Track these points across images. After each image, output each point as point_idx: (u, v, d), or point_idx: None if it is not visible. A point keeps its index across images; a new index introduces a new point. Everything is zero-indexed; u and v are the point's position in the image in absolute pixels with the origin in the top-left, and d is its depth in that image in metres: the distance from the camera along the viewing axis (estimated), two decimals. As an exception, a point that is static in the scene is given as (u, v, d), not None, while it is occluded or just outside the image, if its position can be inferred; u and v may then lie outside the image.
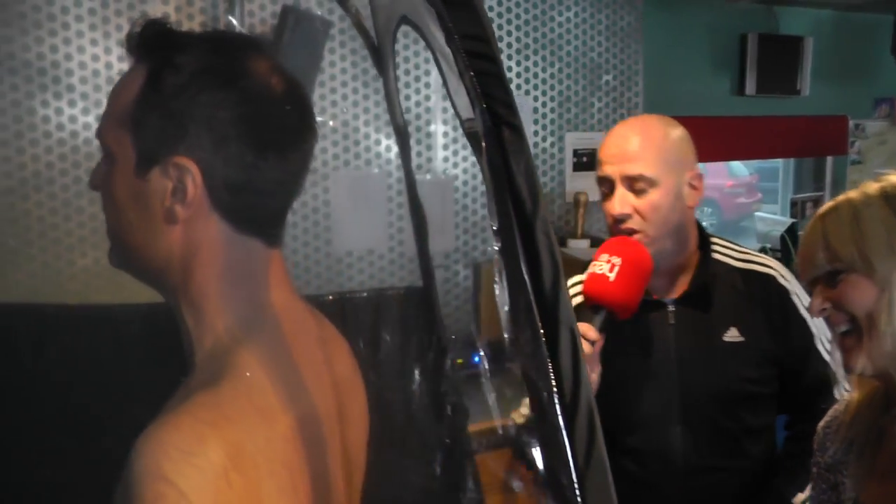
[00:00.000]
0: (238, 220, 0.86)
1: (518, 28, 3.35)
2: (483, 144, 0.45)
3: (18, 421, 1.11)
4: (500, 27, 3.30)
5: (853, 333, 1.17)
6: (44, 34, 2.43)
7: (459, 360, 2.67)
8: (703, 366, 1.64)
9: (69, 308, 1.28)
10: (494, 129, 0.45)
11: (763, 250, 3.71)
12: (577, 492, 0.42)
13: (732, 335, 1.66)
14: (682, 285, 1.69)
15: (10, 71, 2.40)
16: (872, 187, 1.18)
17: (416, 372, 1.29)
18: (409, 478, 1.31)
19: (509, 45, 3.33)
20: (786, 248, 3.58)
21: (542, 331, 0.43)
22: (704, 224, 1.84)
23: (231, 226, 0.86)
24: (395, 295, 1.32)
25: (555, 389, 0.42)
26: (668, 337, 1.67)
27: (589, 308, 1.50)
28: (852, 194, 1.19)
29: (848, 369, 1.20)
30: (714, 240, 1.75)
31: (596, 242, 3.36)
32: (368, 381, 1.09)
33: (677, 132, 1.67)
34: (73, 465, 1.08)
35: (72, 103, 2.48)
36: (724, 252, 1.73)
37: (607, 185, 1.65)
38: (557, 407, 0.42)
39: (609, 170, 1.63)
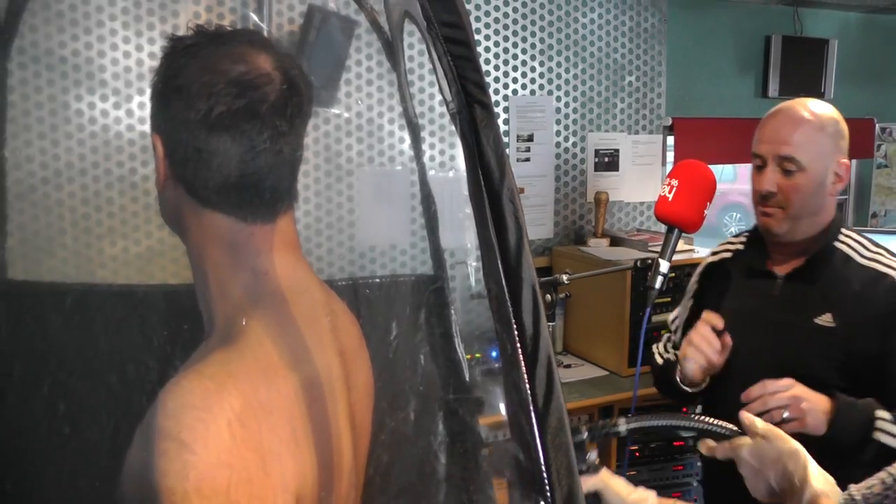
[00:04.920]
0: (196, 194, 0.93)
1: (542, 29, 3.39)
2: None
3: (48, 389, 1.19)
4: (524, 28, 3.35)
5: None
6: (79, 32, 2.52)
7: (478, 355, 2.71)
8: (789, 343, 1.71)
9: (95, 287, 1.35)
10: (467, 107, 0.51)
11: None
12: (537, 433, 0.47)
13: (825, 319, 1.71)
14: (797, 263, 1.78)
15: (47, 67, 2.49)
16: None
17: (426, 356, 1.34)
18: (416, 459, 1.35)
19: (533, 46, 3.38)
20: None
21: (506, 288, 0.48)
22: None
23: (194, 199, 0.94)
24: (405, 281, 1.37)
25: (517, 342, 0.47)
26: (768, 307, 1.77)
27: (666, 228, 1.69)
28: None
29: None
30: (847, 233, 1.82)
31: (616, 242, 3.40)
32: (378, 362, 1.15)
33: (833, 120, 1.77)
34: (100, 429, 1.16)
35: (104, 98, 2.57)
36: (852, 246, 1.79)
37: (759, 161, 1.79)
38: (520, 357, 0.47)
39: (763, 148, 1.76)
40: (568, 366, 3.13)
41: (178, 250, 1.02)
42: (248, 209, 0.94)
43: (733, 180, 12.89)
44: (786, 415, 1.55)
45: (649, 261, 1.75)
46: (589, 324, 3.20)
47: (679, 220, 1.60)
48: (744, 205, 12.46)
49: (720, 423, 1.23)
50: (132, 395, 1.18)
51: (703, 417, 1.24)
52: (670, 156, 3.76)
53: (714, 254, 2.02)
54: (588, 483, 1.24)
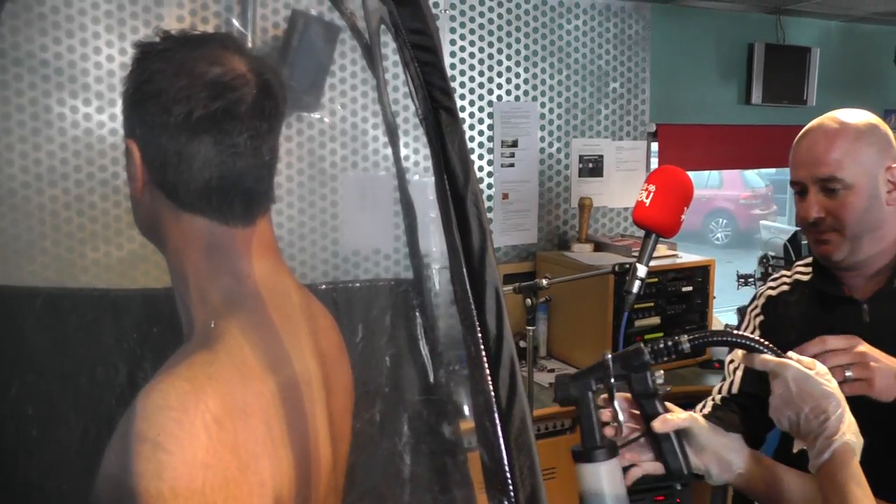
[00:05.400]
0: (177, 198, 0.93)
1: (527, 35, 3.41)
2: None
3: (26, 393, 1.19)
4: (509, 34, 3.37)
5: None
6: (62, 35, 2.52)
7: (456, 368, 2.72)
8: None
9: (73, 291, 1.35)
10: (433, 113, 0.51)
11: (765, 258, 3.74)
12: (500, 434, 0.48)
13: None
14: (877, 283, 1.65)
15: (29, 70, 2.49)
16: None
17: (404, 359, 1.34)
18: (392, 464, 1.36)
19: (518, 52, 3.39)
20: (788, 257, 3.61)
21: (469, 291, 0.49)
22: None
23: (173, 204, 0.93)
24: (384, 286, 1.38)
25: (481, 343, 0.48)
26: (860, 335, 1.56)
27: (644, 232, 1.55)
28: None
29: None
30: None
31: (600, 247, 3.41)
32: (358, 366, 1.15)
33: (870, 126, 1.61)
34: (79, 433, 1.16)
35: (87, 102, 2.56)
36: None
37: (798, 188, 1.65)
38: (483, 359, 0.48)
39: (800, 173, 1.63)
40: (552, 370, 3.14)
41: (160, 254, 1.02)
42: (229, 211, 0.95)
43: (719, 186, 12.99)
44: (848, 374, 1.38)
45: (627, 265, 1.74)
46: (573, 328, 3.21)
47: (656, 224, 1.58)
48: (729, 210, 12.57)
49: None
50: (110, 399, 1.18)
51: (762, 340, 1.22)
52: (654, 162, 3.79)
53: (771, 288, 1.85)
54: (675, 422, 1.22)
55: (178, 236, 0.95)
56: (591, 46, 3.57)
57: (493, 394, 0.48)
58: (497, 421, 0.47)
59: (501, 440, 0.47)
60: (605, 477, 1.16)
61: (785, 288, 1.81)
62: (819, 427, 1.15)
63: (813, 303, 1.72)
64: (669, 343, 1.21)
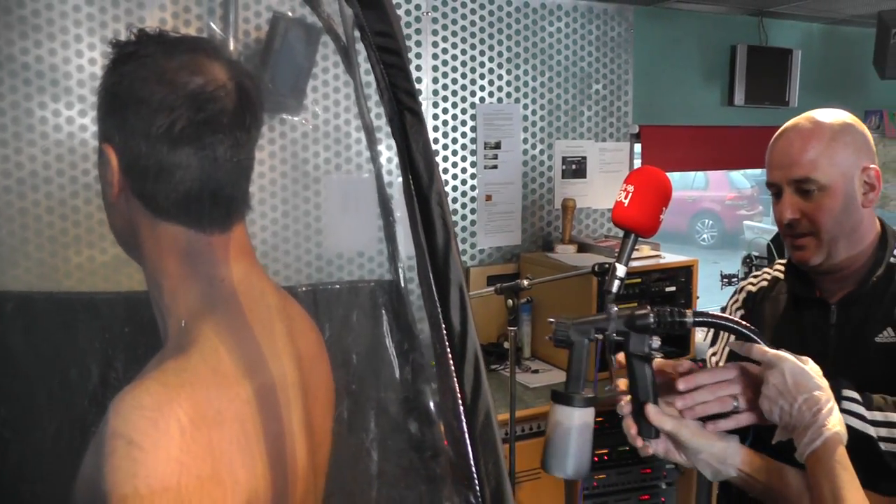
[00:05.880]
0: (155, 207, 0.93)
1: (509, 37, 3.42)
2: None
3: (11, 396, 1.19)
4: (491, 36, 3.38)
5: None
6: (43, 38, 2.51)
7: (433, 363, 2.73)
8: (852, 367, 1.52)
9: (56, 295, 1.35)
10: (398, 114, 0.52)
11: (749, 257, 3.77)
12: (465, 429, 0.48)
13: (886, 336, 1.57)
14: (849, 286, 1.64)
15: (9, 73, 2.48)
16: None
17: (385, 360, 1.35)
18: (374, 465, 1.36)
19: (500, 54, 3.41)
20: (771, 257, 3.64)
21: (434, 288, 0.49)
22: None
23: (150, 212, 0.94)
24: (364, 287, 1.39)
25: (446, 339, 0.49)
26: (827, 336, 1.63)
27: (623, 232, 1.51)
28: None
29: None
30: None
31: (583, 248, 3.43)
32: (337, 366, 1.16)
33: (845, 126, 1.59)
34: (61, 432, 1.16)
35: (69, 105, 2.55)
36: None
37: (774, 189, 1.64)
38: (448, 354, 0.49)
39: (775, 175, 1.61)
40: (536, 371, 3.15)
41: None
42: (207, 220, 0.95)
43: (705, 188, 13.08)
44: (736, 404, 1.38)
45: (606, 265, 1.74)
46: (557, 329, 3.22)
47: (634, 224, 1.58)
48: (715, 212, 12.65)
49: None
50: (94, 402, 1.18)
51: (759, 332, 1.26)
52: (637, 163, 3.81)
53: (751, 284, 1.86)
54: (663, 422, 1.26)
55: (153, 243, 0.95)
56: (574, 48, 3.59)
57: (458, 389, 0.48)
58: (462, 416, 0.48)
59: (466, 435, 0.48)
60: (577, 422, 1.20)
61: (764, 284, 1.82)
62: (812, 418, 1.19)
63: (787, 302, 1.74)
64: (676, 312, 1.24)
